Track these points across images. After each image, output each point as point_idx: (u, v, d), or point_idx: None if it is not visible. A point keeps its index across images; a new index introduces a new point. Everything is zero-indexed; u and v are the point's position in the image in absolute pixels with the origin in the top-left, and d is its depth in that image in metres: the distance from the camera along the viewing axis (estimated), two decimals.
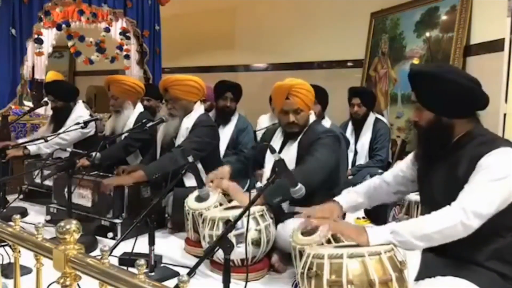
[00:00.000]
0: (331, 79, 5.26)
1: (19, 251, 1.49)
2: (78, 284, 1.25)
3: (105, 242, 2.74)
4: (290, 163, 2.41)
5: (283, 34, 5.89)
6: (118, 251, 2.22)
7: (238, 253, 2.10)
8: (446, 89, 1.58)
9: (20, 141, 3.87)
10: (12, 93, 4.18)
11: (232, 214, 2.25)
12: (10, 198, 3.32)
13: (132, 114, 3.57)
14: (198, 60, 6.45)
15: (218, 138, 3.33)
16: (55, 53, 6.96)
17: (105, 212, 2.92)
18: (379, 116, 4.17)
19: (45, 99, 4.05)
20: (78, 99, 4.07)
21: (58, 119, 3.92)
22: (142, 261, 1.08)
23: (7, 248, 1.72)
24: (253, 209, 2.18)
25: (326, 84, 3.78)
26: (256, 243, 2.26)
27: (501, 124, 3.19)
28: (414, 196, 3.05)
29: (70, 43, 5.74)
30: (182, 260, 2.54)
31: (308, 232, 1.99)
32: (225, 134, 3.79)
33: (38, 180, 3.48)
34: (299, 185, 2.01)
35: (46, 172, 3.32)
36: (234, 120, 3.88)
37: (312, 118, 2.67)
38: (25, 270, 1.96)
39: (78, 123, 3.36)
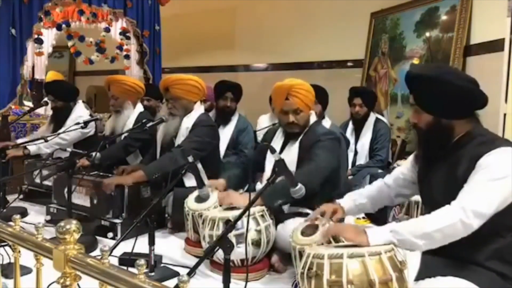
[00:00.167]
0: (331, 79, 5.26)
1: (19, 251, 1.49)
2: (78, 284, 1.25)
3: (105, 242, 2.74)
4: (291, 163, 2.41)
5: (283, 34, 5.89)
6: (118, 251, 2.22)
7: (238, 253, 2.10)
8: (444, 92, 1.59)
9: (20, 141, 3.87)
10: (12, 93, 4.18)
11: (232, 214, 2.25)
12: (10, 198, 3.32)
13: (132, 114, 3.57)
14: (198, 60, 6.45)
15: (218, 138, 3.33)
16: (55, 53, 6.96)
17: (105, 212, 2.92)
18: (380, 116, 4.17)
19: (45, 99, 4.05)
20: (78, 99, 4.07)
21: (58, 119, 3.92)
22: (142, 261, 1.08)
23: (7, 248, 1.72)
24: (253, 209, 2.18)
25: (326, 84, 3.78)
26: (256, 243, 2.26)
27: (501, 124, 3.19)
28: (415, 196, 3.06)
29: (70, 43, 5.74)
30: (182, 260, 2.54)
31: (308, 232, 1.99)
32: (225, 134, 3.79)
33: (38, 180, 3.48)
34: (299, 185, 2.01)
35: (45, 172, 3.31)
36: (234, 120, 3.88)
37: (313, 118, 2.67)
38: (25, 270, 1.96)
39: (78, 123, 3.36)
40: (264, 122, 4.11)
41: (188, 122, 3.13)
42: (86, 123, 3.35)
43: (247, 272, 1.94)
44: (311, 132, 2.58)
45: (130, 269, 1.15)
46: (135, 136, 3.44)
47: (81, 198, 3.02)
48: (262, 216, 2.29)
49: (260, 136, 3.75)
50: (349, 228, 1.70)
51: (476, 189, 1.49)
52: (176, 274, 2.27)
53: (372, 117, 4.06)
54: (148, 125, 3.03)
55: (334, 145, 2.54)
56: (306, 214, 2.32)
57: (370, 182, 3.10)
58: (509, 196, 1.49)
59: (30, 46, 4.65)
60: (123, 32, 5.39)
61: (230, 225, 1.64)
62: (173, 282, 1.22)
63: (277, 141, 2.70)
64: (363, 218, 3.17)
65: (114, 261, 2.30)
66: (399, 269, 1.53)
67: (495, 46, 3.68)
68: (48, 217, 3.17)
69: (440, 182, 1.65)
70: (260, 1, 6.00)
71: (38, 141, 3.52)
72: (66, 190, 2.63)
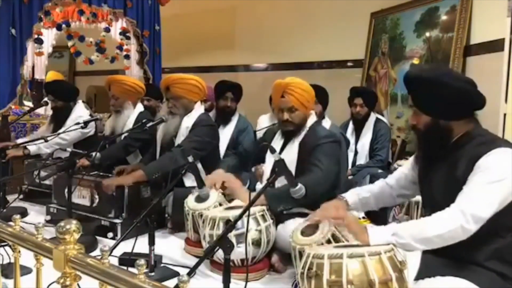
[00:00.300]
0: (331, 79, 5.26)
1: (19, 251, 1.49)
2: (78, 284, 1.25)
3: (105, 242, 2.74)
4: (291, 164, 2.41)
5: (283, 34, 5.89)
6: (118, 251, 2.22)
7: (238, 253, 2.10)
8: (441, 93, 1.59)
9: (20, 141, 3.87)
10: (12, 93, 4.17)
11: (233, 214, 2.25)
12: (10, 198, 3.32)
13: (132, 114, 3.57)
14: (198, 60, 6.45)
15: (218, 137, 3.33)
16: (55, 53, 6.96)
17: (106, 212, 2.92)
18: (380, 116, 4.17)
19: (45, 99, 4.05)
20: (78, 99, 4.08)
21: (58, 119, 3.93)
22: (142, 261, 1.08)
23: (7, 248, 1.72)
24: (254, 209, 2.18)
25: (326, 84, 3.77)
26: (257, 243, 2.26)
27: (501, 124, 3.19)
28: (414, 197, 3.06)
29: (70, 43, 5.74)
30: (182, 260, 2.53)
31: (308, 232, 1.99)
32: (225, 134, 3.79)
33: (38, 180, 3.48)
34: (299, 185, 2.01)
35: (45, 172, 3.31)
36: (234, 120, 3.87)
37: (313, 118, 2.67)
38: (25, 270, 1.96)
39: (78, 123, 3.37)
40: (264, 122, 4.11)
41: (188, 121, 3.13)
42: (86, 123, 3.35)
43: (247, 272, 1.94)
44: (311, 133, 2.58)
45: (130, 269, 1.15)
46: (135, 136, 3.44)
47: (81, 198, 3.03)
48: (263, 216, 2.29)
49: (260, 136, 3.74)
50: (356, 223, 1.71)
51: (475, 192, 1.50)
52: (176, 274, 2.27)
53: (373, 117, 4.06)
54: (148, 125, 3.03)
55: (335, 148, 2.54)
56: (306, 214, 2.32)
57: (370, 182, 3.12)
58: (508, 196, 1.50)
59: (30, 46, 4.64)
60: (123, 32, 5.38)
61: (230, 225, 1.64)
62: (173, 282, 1.22)
63: (277, 141, 2.70)
64: (363, 218, 3.16)
65: (114, 261, 2.30)
66: (399, 269, 1.53)
67: (495, 46, 3.68)
68: (48, 217, 3.17)
69: (440, 183, 1.65)
70: (260, 1, 6.00)
71: (38, 141, 3.52)
72: (66, 190, 2.63)
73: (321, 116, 3.60)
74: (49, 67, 5.88)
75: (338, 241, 1.90)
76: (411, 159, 1.90)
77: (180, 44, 6.36)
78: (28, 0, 4.21)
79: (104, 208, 2.94)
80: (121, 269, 1.14)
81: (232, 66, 6.46)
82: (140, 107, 3.65)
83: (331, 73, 5.62)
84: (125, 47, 5.44)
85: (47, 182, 3.37)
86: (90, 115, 3.96)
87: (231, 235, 2.09)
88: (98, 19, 5.28)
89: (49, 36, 5.69)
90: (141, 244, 2.28)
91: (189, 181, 2.96)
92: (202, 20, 6.44)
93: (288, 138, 2.65)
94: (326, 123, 3.58)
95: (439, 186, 1.65)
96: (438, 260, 1.60)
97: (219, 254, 2.22)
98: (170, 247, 2.73)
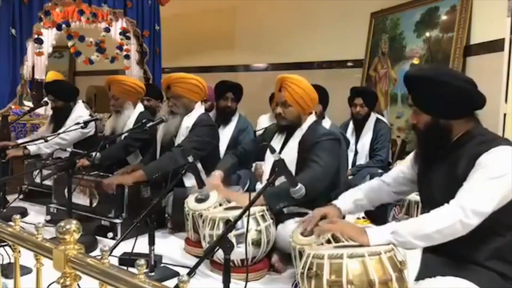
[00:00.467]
0: (331, 79, 5.26)
1: (19, 251, 1.49)
2: (78, 284, 1.25)
3: (105, 242, 2.74)
4: (291, 163, 2.41)
5: (283, 34, 5.89)
6: (118, 251, 2.22)
7: (238, 253, 2.09)
8: (442, 92, 1.59)
9: (20, 141, 3.87)
10: (12, 93, 4.17)
11: (233, 214, 2.25)
12: (10, 198, 3.32)
13: (132, 114, 3.57)
14: (198, 60, 6.45)
15: (218, 137, 3.33)
16: (55, 53, 6.97)
17: (106, 212, 2.92)
18: (380, 117, 4.17)
19: (45, 99, 4.05)
20: (78, 99, 4.07)
21: (58, 119, 3.93)
22: (142, 261, 1.08)
23: (7, 248, 1.72)
24: (254, 209, 2.18)
25: (326, 84, 3.77)
26: (257, 243, 2.25)
27: (501, 124, 3.19)
28: (414, 196, 3.05)
29: (70, 43, 5.74)
30: (182, 260, 2.53)
31: (308, 232, 1.99)
32: (226, 134, 3.79)
33: (38, 180, 3.48)
34: (299, 185, 2.01)
35: (45, 172, 3.31)
36: (234, 120, 3.87)
37: (312, 118, 2.67)
38: (25, 270, 1.96)
39: (78, 123, 3.36)
40: (264, 122, 4.11)
41: (188, 121, 3.14)
42: (86, 123, 3.35)
43: (247, 272, 1.94)
44: (311, 132, 2.58)
45: (130, 269, 1.15)
46: (135, 136, 3.44)
47: (81, 198, 3.03)
48: (263, 216, 2.29)
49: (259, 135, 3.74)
50: (349, 227, 1.70)
51: (475, 188, 1.50)
52: (176, 274, 2.27)
53: (373, 117, 4.06)
54: (148, 125, 3.03)
55: (334, 145, 2.54)
56: (306, 214, 2.32)
57: None
58: (508, 194, 1.50)
59: (30, 46, 4.64)
60: (123, 32, 5.38)
61: (230, 225, 1.64)
62: (173, 282, 1.23)
63: (276, 141, 2.69)
64: (363, 218, 3.17)
65: (114, 261, 2.30)
66: (399, 269, 1.53)
67: (495, 46, 3.68)
68: (48, 217, 3.17)
69: (440, 182, 1.65)
70: (260, 1, 6.00)
71: (38, 141, 3.52)
72: (66, 190, 2.63)
73: (321, 116, 3.60)
74: (49, 67, 5.88)
75: (338, 241, 1.89)
76: (410, 156, 1.89)
77: (180, 44, 6.36)
78: (28, 0, 4.22)
79: (104, 208, 2.94)
80: (121, 269, 1.14)
81: (232, 66, 6.46)
82: (140, 107, 3.65)
83: (331, 73, 5.62)
84: (125, 47, 5.44)
85: (47, 182, 3.37)
86: (90, 115, 3.96)
87: (231, 235, 2.09)
88: (98, 19, 5.28)
89: (49, 36, 5.69)
90: (141, 244, 2.28)
91: (189, 181, 2.96)
92: (202, 20, 6.44)
93: (287, 137, 2.65)
94: (326, 123, 3.58)
95: (439, 185, 1.65)
96: (438, 259, 1.60)
97: (219, 254, 2.22)
98: (170, 247, 2.73)
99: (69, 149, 3.18)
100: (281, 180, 2.20)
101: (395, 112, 4.85)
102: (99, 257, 1.17)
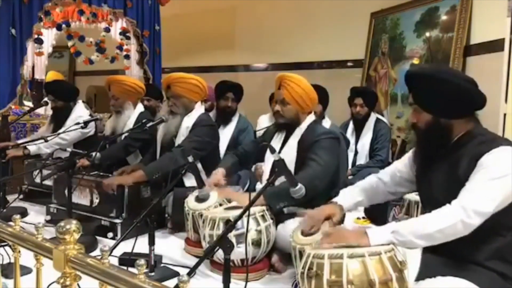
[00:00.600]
0: (331, 79, 5.26)
1: (19, 251, 1.49)
2: (78, 284, 1.25)
3: (105, 242, 2.74)
4: (290, 163, 2.41)
5: (283, 34, 5.89)
6: (118, 251, 2.22)
7: (238, 253, 2.09)
8: (443, 91, 1.59)
9: (20, 141, 3.87)
10: (12, 93, 4.17)
11: (233, 214, 2.25)
12: (10, 198, 3.32)
13: (132, 114, 3.57)
14: (198, 60, 6.45)
15: (218, 137, 3.33)
16: (55, 53, 6.96)
17: (106, 212, 2.92)
18: (380, 117, 4.17)
19: (45, 99, 4.05)
20: (78, 99, 4.08)
21: (58, 119, 3.93)
22: (142, 261, 1.08)
23: (7, 248, 1.72)
24: (254, 209, 2.18)
25: (326, 84, 3.78)
26: (257, 243, 2.25)
27: (501, 124, 3.19)
28: (414, 196, 3.06)
29: (70, 43, 5.74)
30: (182, 260, 2.54)
31: (308, 232, 1.99)
32: (226, 134, 3.79)
33: (38, 180, 3.48)
34: (299, 185, 2.01)
35: (45, 172, 3.31)
36: (234, 121, 3.88)
37: (312, 117, 2.66)
38: (25, 270, 1.96)
39: (78, 123, 3.36)
40: (264, 122, 4.11)
41: (188, 121, 3.14)
42: (86, 123, 3.35)
43: (247, 272, 1.94)
44: (310, 132, 2.58)
45: (130, 269, 1.15)
46: (135, 136, 3.44)
47: (81, 198, 3.03)
48: (263, 216, 2.29)
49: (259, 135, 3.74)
50: (350, 235, 1.66)
51: (477, 188, 1.50)
52: (176, 274, 2.27)
53: (373, 117, 4.06)
54: (148, 125, 3.03)
55: (334, 144, 2.54)
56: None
57: None
58: (510, 194, 1.50)
59: (30, 46, 4.64)
60: (123, 32, 5.38)
61: (230, 225, 1.64)
62: (173, 282, 1.23)
63: (276, 141, 2.70)
64: (363, 218, 3.16)
65: (114, 261, 2.30)
66: (399, 269, 1.53)
67: (495, 46, 3.68)
68: (48, 217, 3.17)
69: (440, 182, 1.65)
70: (260, 1, 6.00)
71: (38, 141, 3.52)
72: (66, 190, 2.63)
73: (321, 116, 3.60)
74: (49, 67, 5.87)
75: None
76: (408, 155, 1.88)
77: (180, 44, 6.36)
78: (28, 0, 4.22)
79: (104, 208, 2.94)
80: (121, 269, 1.14)
81: (232, 66, 6.46)
82: (140, 107, 3.65)
83: (331, 73, 5.62)
84: (125, 47, 5.44)
85: (47, 182, 3.37)
86: (90, 115, 3.96)
87: (231, 235, 2.09)
88: (98, 19, 5.28)
89: (49, 36, 5.69)
90: (141, 244, 2.28)
91: (189, 181, 2.96)
92: (202, 20, 6.44)
93: (286, 136, 2.65)
94: (326, 123, 3.58)
95: (439, 185, 1.65)
96: (438, 260, 1.60)
97: (219, 254, 2.22)
98: (170, 247, 2.73)
99: (69, 149, 3.17)
100: (281, 180, 2.20)
101: (395, 112, 4.85)
102: (99, 257, 1.17)
